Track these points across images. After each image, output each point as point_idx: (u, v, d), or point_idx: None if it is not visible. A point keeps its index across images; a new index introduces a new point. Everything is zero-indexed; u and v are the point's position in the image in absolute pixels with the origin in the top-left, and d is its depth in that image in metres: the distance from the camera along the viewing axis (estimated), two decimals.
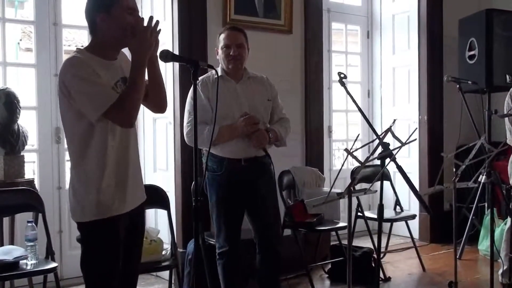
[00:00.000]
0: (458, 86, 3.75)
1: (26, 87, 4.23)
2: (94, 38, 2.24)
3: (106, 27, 2.17)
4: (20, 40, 8.62)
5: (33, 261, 3.03)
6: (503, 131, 4.05)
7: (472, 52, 5.00)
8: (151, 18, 2.15)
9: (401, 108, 5.69)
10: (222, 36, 3.27)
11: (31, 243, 3.06)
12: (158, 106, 2.40)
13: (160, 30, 2.17)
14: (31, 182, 3.67)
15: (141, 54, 2.13)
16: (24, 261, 3.01)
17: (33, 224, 3.15)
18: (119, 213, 2.21)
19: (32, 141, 4.10)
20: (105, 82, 2.14)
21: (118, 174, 2.21)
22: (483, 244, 4.81)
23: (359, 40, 5.97)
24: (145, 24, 2.15)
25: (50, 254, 3.17)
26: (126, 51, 2.30)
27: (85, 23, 2.26)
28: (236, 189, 3.21)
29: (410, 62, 5.61)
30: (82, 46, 2.32)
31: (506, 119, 3.97)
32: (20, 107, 3.68)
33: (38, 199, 3.28)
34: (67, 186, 4.18)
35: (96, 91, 2.09)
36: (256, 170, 3.25)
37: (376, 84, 5.96)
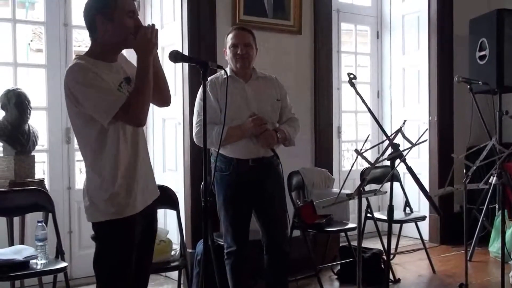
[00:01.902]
0: (468, 86, 3.73)
1: (36, 88, 4.26)
2: (94, 42, 2.25)
3: (107, 31, 2.19)
4: (31, 41, 8.68)
5: (43, 261, 3.05)
6: None
7: (482, 53, 4.97)
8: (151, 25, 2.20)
9: (411, 108, 5.66)
10: (230, 36, 3.28)
11: (41, 243, 3.08)
12: (162, 100, 2.41)
13: (156, 29, 2.19)
14: (41, 182, 3.69)
15: (146, 54, 2.15)
16: (34, 260, 3.03)
17: (43, 224, 3.17)
18: (133, 212, 2.23)
19: (42, 141, 4.13)
20: (110, 85, 2.15)
21: (130, 174, 2.23)
22: (494, 246, 4.78)
23: (368, 40, 5.96)
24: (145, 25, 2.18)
25: (60, 254, 3.18)
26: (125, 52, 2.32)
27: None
28: (244, 189, 3.22)
29: (420, 62, 5.58)
30: (86, 46, 2.32)
31: None
32: (31, 108, 3.70)
33: (48, 199, 3.30)
34: (77, 186, 4.25)
35: (103, 95, 2.10)
36: (264, 170, 3.25)
37: (385, 84, 5.93)
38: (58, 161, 4.22)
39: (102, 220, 2.21)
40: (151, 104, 2.26)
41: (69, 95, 2.15)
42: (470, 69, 5.10)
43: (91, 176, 2.22)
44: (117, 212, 2.20)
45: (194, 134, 3.26)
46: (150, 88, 2.17)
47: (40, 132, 3.92)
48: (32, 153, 3.74)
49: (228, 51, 3.28)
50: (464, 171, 3.38)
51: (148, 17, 4.48)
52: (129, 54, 2.33)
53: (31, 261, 3.01)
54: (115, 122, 2.14)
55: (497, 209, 4.82)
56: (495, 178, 3.58)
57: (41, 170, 4.39)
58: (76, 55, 2.24)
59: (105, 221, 2.20)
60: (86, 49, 2.28)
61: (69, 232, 4.23)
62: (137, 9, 2.29)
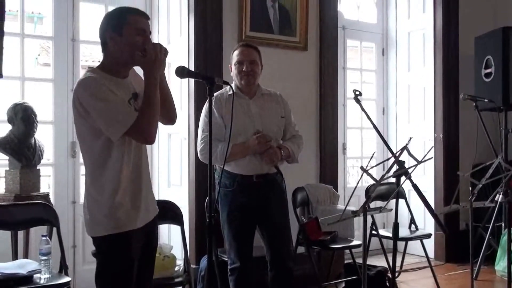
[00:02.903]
0: (474, 104, 3.73)
1: (43, 102, 4.28)
2: (105, 57, 2.28)
3: (116, 47, 2.22)
4: (38, 55, 8.75)
5: (47, 275, 3.03)
6: None
7: (488, 70, 4.97)
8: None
9: (416, 125, 5.65)
10: (236, 52, 3.29)
11: (45, 257, 3.07)
12: (168, 118, 2.43)
13: (166, 50, 2.23)
14: (46, 196, 3.69)
15: (153, 71, 2.18)
16: (38, 275, 3.01)
17: (47, 238, 3.16)
18: (133, 228, 2.23)
19: (48, 155, 4.14)
20: (122, 100, 2.17)
21: (132, 190, 2.24)
22: (500, 265, 4.73)
23: (374, 57, 5.97)
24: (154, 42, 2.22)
25: (63, 268, 3.17)
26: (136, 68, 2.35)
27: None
28: (248, 205, 3.21)
29: (425, 79, 5.59)
30: (99, 61, 2.35)
31: None
32: (37, 122, 3.72)
33: (53, 213, 3.30)
34: (82, 200, 4.22)
35: (116, 110, 2.13)
36: (268, 186, 3.25)
37: (391, 101, 5.93)
38: (63, 175, 4.22)
39: (102, 234, 2.21)
40: None
41: (78, 108, 2.16)
42: (476, 87, 5.09)
43: (92, 190, 2.23)
44: (117, 226, 2.20)
45: (198, 150, 3.26)
46: (158, 105, 2.19)
47: (46, 146, 3.93)
48: (38, 167, 3.75)
49: (233, 67, 3.29)
50: (470, 188, 3.37)
51: (155, 33, 4.51)
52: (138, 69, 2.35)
53: (34, 276, 3.00)
54: (123, 137, 2.15)
55: (503, 228, 4.78)
56: (501, 196, 3.57)
57: (46, 184, 4.40)
58: (89, 68, 2.26)
59: (105, 235, 2.20)
60: (93, 64, 2.30)
61: (73, 246, 4.23)
62: (150, 28, 2.32)
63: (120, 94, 2.18)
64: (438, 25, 5.47)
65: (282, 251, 3.28)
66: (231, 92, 2.92)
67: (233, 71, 3.30)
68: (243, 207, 3.20)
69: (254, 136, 3.18)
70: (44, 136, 4.04)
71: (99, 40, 2.29)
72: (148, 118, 2.15)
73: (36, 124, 3.71)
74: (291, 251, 3.44)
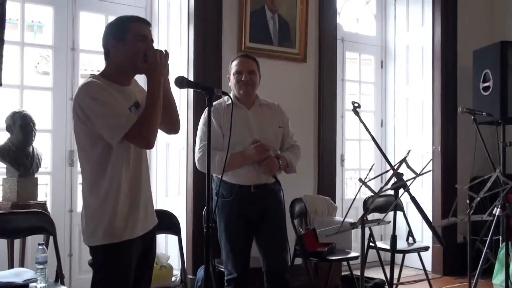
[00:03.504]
0: (472, 117, 3.74)
1: (42, 110, 4.28)
2: (107, 64, 2.30)
3: (118, 54, 2.24)
4: (38, 63, 8.76)
5: (43, 284, 3.02)
6: None
7: (486, 84, 4.99)
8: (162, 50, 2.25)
9: (414, 138, 5.66)
10: (234, 63, 3.31)
11: (41, 266, 3.05)
12: (171, 127, 2.44)
13: (167, 52, 2.25)
14: (43, 205, 3.69)
15: (156, 76, 2.20)
16: (34, 284, 3.00)
17: (44, 247, 3.15)
18: (131, 237, 2.22)
19: (46, 163, 4.13)
20: (123, 105, 2.18)
21: (131, 199, 2.23)
22: (498, 278, 4.71)
23: (373, 69, 6.00)
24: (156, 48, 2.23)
25: (59, 277, 3.15)
26: (138, 78, 2.35)
27: (101, 48, 2.33)
28: (245, 215, 3.21)
29: (424, 92, 5.61)
30: (98, 71, 2.37)
31: None
32: (36, 130, 3.72)
33: (50, 221, 3.28)
34: (79, 209, 4.22)
35: (116, 114, 2.13)
36: (266, 196, 3.24)
37: (389, 113, 5.95)
38: (60, 184, 4.21)
39: (100, 243, 2.19)
40: None
41: (79, 113, 2.16)
42: (474, 100, 5.11)
43: (90, 199, 2.22)
44: (115, 236, 2.18)
45: (196, 159, 3.27)
46: (159, 110, 2.19)
47: (44, 155, 3.92)
48: (35, 175, 3.74)
49: (232, 77, 3.31)
50: (468, 202, 3.37)
51: (155, 43, 4.52)
52: (141, 78, 2.36)
53: (30, 284, 2.98)
54: (122, 142, 2.15)
55: (501, 241, 4.77)
56: (499, 209, 3.57)
57: (44, 192, 4.39)
58: (90, 75, 2.27)
59: (102, 245, 2.18)
60: (93, 73, 2.32)
61: (69, 255, 4.21)
62: (151, 35, 2.33)
63: (121, 100, 2.18)
64: (437, 38, 5.50)
65: (279, 262, 3.27)
66: (229, 102, 2.92)
67: (232, 81, 3.31)
68: (241, 217, 3.20)
69: (252, 145, 3.18)
70: (42, 144, 4.04)
71: (98, 50, 2.31)
72: (149, 121, 2.15)
73: (35, 133, 3.71)
74: (287, 262, 3.43)
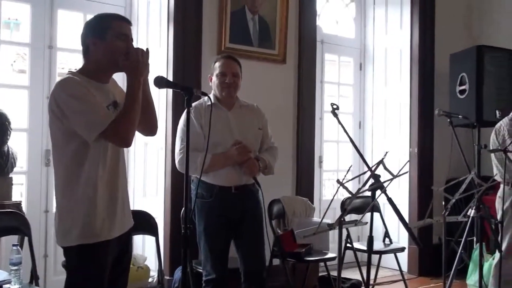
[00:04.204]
0: (449, 120, 3.79)
1: (18, 109, 4.22)
2: (86, 61, 2.27)
3: (98, 51, 2.22)
4: (14, 61, 8.62)
5: (17, 286, 2.97)
6: (492, 166, 4.08)
7: (463, 87, 5.06)
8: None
9: (392, 140, 5.72)
10: (218, 64, 3.30)
11: (15, 267, 3.00)
12: (149, 129, 2.42)
13: (148, 51, 2.24)
14: (18, 205, 3.63)
15: (136, 75, 2.18)
16: (7, 285, 2.95)
17: (18, 247, 3.10)
18: (107, 238, 2.19)
19: (21, 163, 4.07)
20: (101, 102, 2.16)
21: (108, 199, 2.21)
22: (472, 279, 4.78)
23: (351, 71, 6.04)
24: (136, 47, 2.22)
25: (34, 278, 3.11)
26: (116, 77, 2.33)
27: (79, 46, 2.30)
28: (225, 216, 3.20)
29: (401, 94, 5.67)
30: (75, 69, 2.34)
31: (493, 155, 4.00)
32: (11, 129, 3.66)
33: (25, 222, 3.23)
34: (55, 209, 4.18)
35: (92, 110, 2.10)
36: (245, 198, 3.25)
37: (367, 115, 6.00)
38: (36, 184, 4.15)
39: (74, 244, 2.15)
40: None
41: (55, 109, 2.13)
42: (451, 103, 5.18)
43: (63, 198, 2.18)
44: (91, 236, 2.15)
45: (177, 161, 3.25)
46: (138, 108, 2.18)
47: (20, 154, 3.86)
48: (10, 175, 3.68)
49: (214, 78, 3.29)
50: (444, 203, 3.41)
51: (134, 42, 4.48)
52: (119, 78, 2.34)
53: (4, 286, 2.93)
54: (100, 140, 2.12)
55: (475, 242, 4.84)
56: (473, 211, 3.62)
57: (19, 192, 4.32)
58: (68, 71, 2.24)
59: (76, 245, 2.15)
60: (71, 70, 2.29)
61: (44, 256, 4.15)
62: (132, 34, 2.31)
63: (99, 98, 2.16)
64: (415, 42, 5.56)
65: (257, 263, 3.27)
66: (209, 103, 2.92)
67: (214, 81, 3.30)
68: (220, 219, 3.19)
69: (234, 147, 3.18)
70: (17, 143, 3.97)
71: (76, 48, 2.29)
72: (128, 119, 2.13)
73: (10, 132, 3.64)
74: (265, 262, 3.44)
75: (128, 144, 2.20)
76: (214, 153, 3.12)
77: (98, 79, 2.24)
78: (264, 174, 3.36)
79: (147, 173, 4.47)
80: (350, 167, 2.96)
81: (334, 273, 4.13)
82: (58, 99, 2.12)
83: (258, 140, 3.36)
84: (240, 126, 3.28)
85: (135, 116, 2.16)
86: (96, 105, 2.12)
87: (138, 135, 2.45)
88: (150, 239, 3.66)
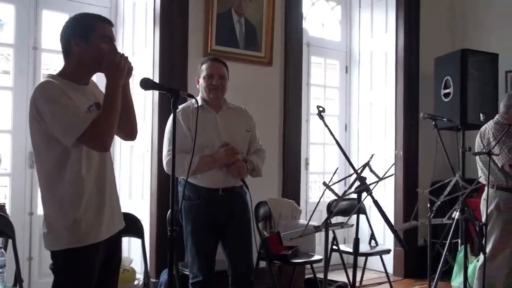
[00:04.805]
0: (433, 123, 3.82)
1: (1, 110, 4.18)
2: (67, 62, 2.24)
3: (81, 53, 2.19)
4: None
5: None
6: (477, 168, 4.12)
7: (447, 90, 5.10)
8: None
9: (377, 142, 5.75)
10: (205, 66, 3.29)
11: None
12: (129, 134, 2.38)
13: (126, 56, 2.20)
14: (2, 207, 3.59)
15: (116, 78, 2.15)
16: None
17: (2, 250, 3.06)
18: (96, 241, 2.17)
19: (5, 164, 4.03)
20: (79, 106, 2.12)
21: (96, 201, 2.18)
22: (456, 281, 4.82)
23: (337, 74, 6.06)
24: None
25: (18, 281, 3.08)
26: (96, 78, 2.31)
27: None
28: (213, 218, 3.19)
29: (387, 97, 5.70)
30: (55, 70, 2.31)
31: (478, 157, 4.04)
32: None
33: (8, 224, 3.20)
34: (39, 211, 4.14)
35: (69, 115, 2.07)
36: (233, 200, 3.24)
37: (353, 118, 6.03)
38: (20, 186, 4.11)
39: (62, 248, 2.13)
40: None
41: (34, 112, 2.10)
42: (435, 106, 5.22)
43: (50, 202, 2.15)
44: (78, 240, 2.12)
45: (165, 163, 3.23)
46: (117, 111, 2.15)
47: (4, 156, 3.83)
48: None
49: (201, 80, 3.29)
50: (429, 205, 3.43)
51: (120, 44, 4.47)
52: (98, 79, 2.32)
53: None
54: (78, 145, 2.09)
55: (459, 244, 4.88)
56: (458, 213, 3.65)
57: (3, 194, 4.28)
58: (48, 75, 2.21)
59: (64, 249, 2.13)
60: (50, 73, 2.26)
61: (29, 258, 4.11)
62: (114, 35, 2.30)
63: (78, 101, 2.13)
64: (400, 45, 5.60)
65: (244, 265, 3.27)
66: (197, 105, 2.91)
67: (201, 84, 3.29)
68: (208, 221, 3.18)
69: (222, 149, 3.17)
70: (1, 145, 3.93)
71: (61, 49, 2.25)
72: (105, 122, 2.10)
73: None
74: (252, 265, 3.44)
75: (105, 148, 2.16)
76: (202, 155, 3.11)
77: (79, 81, 2.21)
78: (252, 176, 3.36)
79: (133, 175, 4.45)
80: (336, 170, 2.97)
81: (320, 275, 4.14)
82: (38, 104, 2.09)
83: (246, 142, 3.36)
84: (228, 128, 3.28)
85: (114, 119, 2.13)
86: (74, 109, 2.09)
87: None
88: (136, 242, 3.64)
